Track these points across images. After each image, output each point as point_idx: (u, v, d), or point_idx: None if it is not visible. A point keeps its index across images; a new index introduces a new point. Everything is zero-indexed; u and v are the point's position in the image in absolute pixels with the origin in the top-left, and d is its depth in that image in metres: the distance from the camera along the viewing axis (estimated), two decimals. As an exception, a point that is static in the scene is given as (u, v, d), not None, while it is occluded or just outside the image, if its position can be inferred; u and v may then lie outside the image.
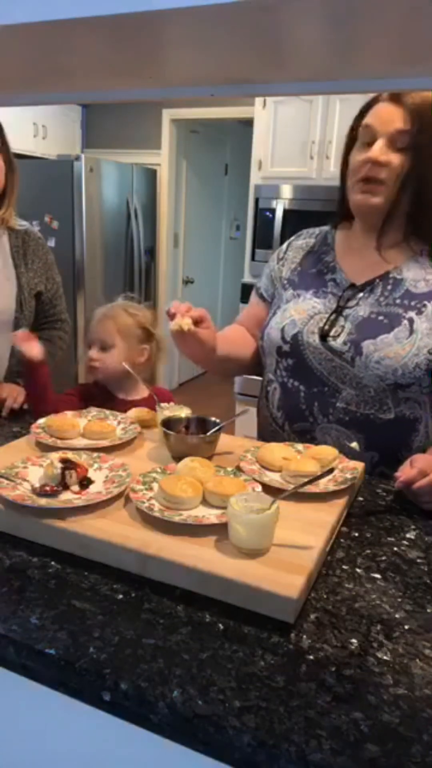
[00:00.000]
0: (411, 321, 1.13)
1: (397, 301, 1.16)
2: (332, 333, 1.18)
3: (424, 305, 1.14)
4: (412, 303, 1.15)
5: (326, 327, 1.19)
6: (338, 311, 1.20)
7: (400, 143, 1.10)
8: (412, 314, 1.14)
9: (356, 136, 1.17)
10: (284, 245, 1.41)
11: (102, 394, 1.48)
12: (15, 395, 1.60)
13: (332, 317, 1.19)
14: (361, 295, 1.20)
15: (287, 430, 1.27)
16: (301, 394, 1.22)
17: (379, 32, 0.53)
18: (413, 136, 1.08)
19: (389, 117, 1.10)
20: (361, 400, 1.16)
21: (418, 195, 1.13)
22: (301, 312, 1.23)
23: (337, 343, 1.17)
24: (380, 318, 1.16)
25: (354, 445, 1.09)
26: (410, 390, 1.14)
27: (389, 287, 1.18)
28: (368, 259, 1.21)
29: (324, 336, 1.19)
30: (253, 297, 1.44)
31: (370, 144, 1.13)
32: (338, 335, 1.18)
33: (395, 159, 1.11)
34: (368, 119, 1.13)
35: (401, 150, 1.10)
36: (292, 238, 1.40)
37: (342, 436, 1.18)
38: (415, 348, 1.12)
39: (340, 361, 1.17)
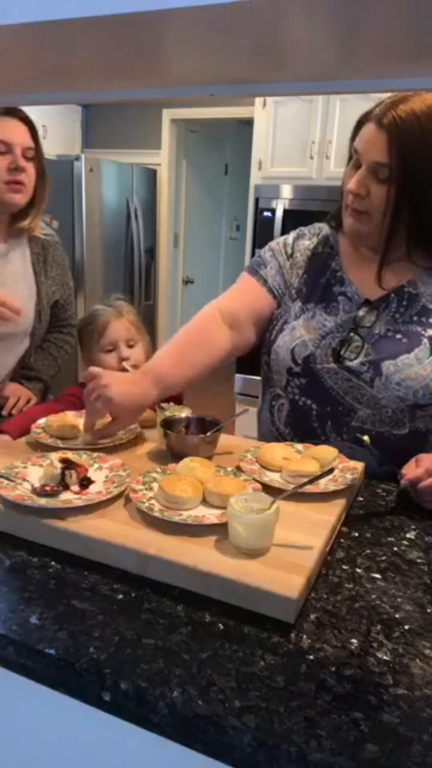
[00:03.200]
0: (431, 339, 1.11)
1: (414, 318, 1.13)
2: (347, 354, 1.14)
3: None
4: (430, 320, 1.13)
5: (341, 348, 1.15)
6: (354, 330, 1.16)
7: (381, 175, 1.05)
8: (431, 332, 1.12)
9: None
10: (290, 239, 1.31)
11: None
12: (19, 395, 1.59)
13: (347, 336, 1.15)
14: (376, 312, 1.16)
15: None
16: (314, 413, 1.18)
17: (381, 31, 0.53)
18: (392, 170, 1.03)
19: (371, 143, 1.05)
20: (377, 420, 1.13)
21: (415, 217, 1.08)
22: (312, 331, 1.18)
23: (354, 363, 1.13)
24: (398, 336, 1.13)
25: (366, 438, 1.08)
26: (429, 409, 1.12)
27: (405, 303, 1.15)
28: (375, 271, 1.16)
29: (338, 357, 1.15)
30: (258, 287, 1.28)
31: (358, 168, 1.09)
32: (356, 357, 1.14)
33: (377, 190, 1.07)
34: (357, 141, 1.09)
35: (384, 182, 1.05)
36: (295, 236, 1.32)
37: (355, 453, 1.14)
38: None
39: (357, 381, 1.13)
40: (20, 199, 1.50)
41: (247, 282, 1.30)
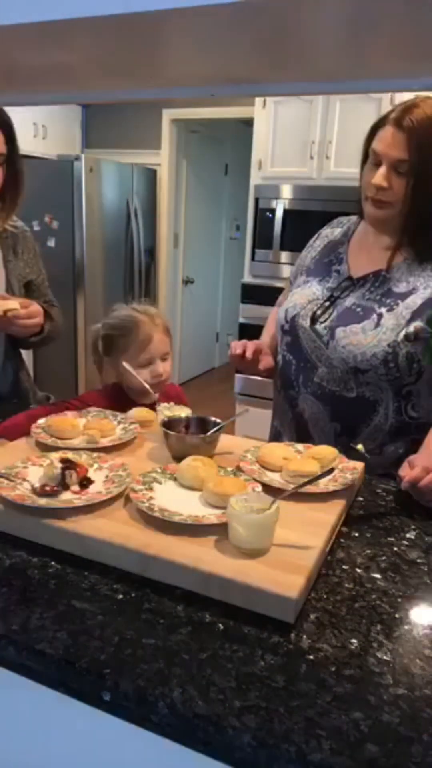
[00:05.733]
0: (380, 316, 1.25)
1: (377, 297, 1.28)
2: (321, 319, 1.33)
3: (397, 303, 1.25)
4: (388, 300, 1.27)
5: (318, 312, 1.34)
6: (331, 300, 1.34)
7: (401, 169, 1.19)
8: (383, 310, 1.26)
9: (368, 152, 1.26)
10: (315, 235, 1.51)
11: (121, 400, 1.41)
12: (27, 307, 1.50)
13: (325, 304, 1.34)
14: (354, 287, 1.32)
15: (282, 394, 1.43)
16: (292, 367, 1.38)
17: (386, 31, 0.53)
18: (412, 165, 1.18)
19: (392, 143, 1.19)
20: (331, 378, 1.30)
21: (418, 210, 1.22)
22: (303, 297, 1.37)
23: (320, 327, 1.32)
24: (358, 310, 1.29)
25: (360, 447, 1.11)
26: (368, 375, 1.25)
27: (377, 284, 1.30)
28: (373, 256, 1.32)
29: (314, 320, 1.34)
30: (289, 284, 1.57)
31: (378, 165, 1.22)
32: (325, 321, 1.32)
33: (398, 184, 1.21)
34: (375, 143, 1.22)
35: (404, 174, 1.20)
36: (324, 227, 1.50)
37: (314, 406, 1.33)
38: (376, 340, 1.24)
39: (319, 342, 1.32)
40: None
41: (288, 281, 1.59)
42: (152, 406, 1.31)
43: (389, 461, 1.26)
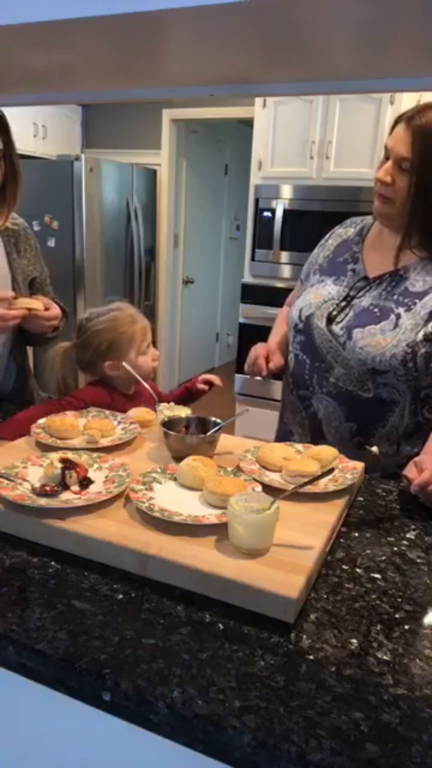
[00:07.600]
0: (398, 316, 1.25)
1: (395, 297, 1.27)
2: (338, 319, 1.32)
3: (415, 303, 1.24)
4: (405, 300, 1.26)
5: (334, 313, 1.33)
6: (347, 300, 1.33)
7: (405, 166, 1.21)
8: (401, 310, 1.25)
9: None
10: (328, 233, 1.52)
11: (110, 394, 1.45)
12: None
13: (342, 304, 1.33)
14: (370, 287, 1.32)
15: (294, 394, 1.42)
16: (306, 366, 1.37)
17: (389, 32, 0.53)
18: (413, 164, 1.20)
19: (400, 140, 1.20)
20: (348, 379, 1.29)
21: (426, 209, 1.23)
22: (318, 296, 1.37)
23: (337, 328, 1.31)
24: (375, 310, 1.28)
25: (374, 449, 1.11)
26: (386, 376, 1.25)
27: (393, 284, 1.29)
28: (387, 255, 1.31)
29: (330, 320, 1.33)
30: (299, 283, 1.58)
31: (388, 160, 1.25)
32: (341, 321, 1.31)
33: (400, 180, 1.22)
34: (388, 139, 1.25)
35: (407, 172, 1.21)
36: (337, 226, 1.51)
37: (330, 406, 1.33)
38: (396, 340, 1.23)
39: (336, 343, 1.31)
40: None
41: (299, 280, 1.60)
42: (152, 406, 1.31)
43: (405, 461, 1.24)
